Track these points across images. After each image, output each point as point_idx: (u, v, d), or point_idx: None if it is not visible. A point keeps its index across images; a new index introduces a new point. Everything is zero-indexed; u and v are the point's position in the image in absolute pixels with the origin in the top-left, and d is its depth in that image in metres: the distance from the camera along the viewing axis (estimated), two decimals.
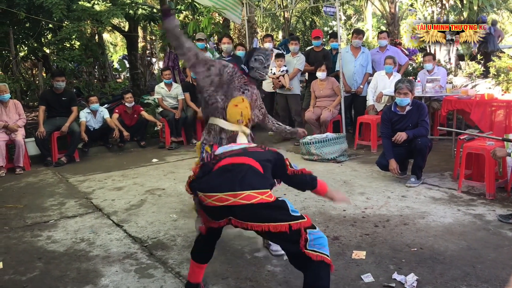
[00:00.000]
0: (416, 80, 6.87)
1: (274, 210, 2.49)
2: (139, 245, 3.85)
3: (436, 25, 7.03)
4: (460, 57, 11.77)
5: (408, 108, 5.23)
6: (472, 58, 11.04)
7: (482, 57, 10.90)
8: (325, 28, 17.63)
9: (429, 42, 7.18)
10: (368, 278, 3.08)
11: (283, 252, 3.34)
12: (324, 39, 10.95)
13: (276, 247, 3.43)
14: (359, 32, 8.01)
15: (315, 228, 2.54)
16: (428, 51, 9.66)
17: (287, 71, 7.59)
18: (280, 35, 17.57)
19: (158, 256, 3.63)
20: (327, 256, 2.48)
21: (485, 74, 10.07)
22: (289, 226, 2.45)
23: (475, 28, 6.89)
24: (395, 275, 3.09)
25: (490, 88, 8.12)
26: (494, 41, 11.45)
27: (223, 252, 3.55)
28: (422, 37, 7.13)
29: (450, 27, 6.96)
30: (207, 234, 2.84)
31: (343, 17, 18.93)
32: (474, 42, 7.13)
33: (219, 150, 2.81)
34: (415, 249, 3.53)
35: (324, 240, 2.52)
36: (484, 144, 4.80)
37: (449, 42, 7.02)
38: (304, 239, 2.46)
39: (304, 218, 2.52)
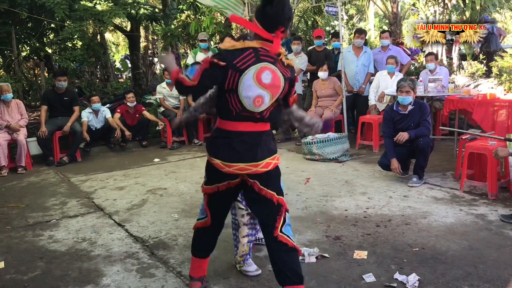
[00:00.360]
0: (418, 80, 6.86)
1: (277, 178, 2.72)
2: (141, 245, 3.85)
3: (436, 25, 7.02)
4: (463, 57, 11.73)
5: (410, 107, 5.22)
6: (475, 58, 11.00)
7: (484, 56, 10.87)
8: (327, 28, 17.60)
9: (429, 42, 7.16)
10: (369, 278, 3.08)
11: (257, 273, 3.24)
12: (326, 39, 10.94)
13: (250, 268, 3.26)
14: (361, 32, 7.99)
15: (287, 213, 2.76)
16: (430, 50, 9.65)
17: None
18: None
19: (160, 255, 3.62)
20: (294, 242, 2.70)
21: (487, 74, 10.04)
22: (277, 200, 2.67)
23: (475, 28, 6.87)
24: (397, 275, 3.09)
25: (492, 87, 8.10)
26: (496, 40, 11.39)
27: (224, 252, 3.54)
28: (422, 37, 7.12)
29: (450, 27, 6.95)
30: (212, 225, 2.88)
31: (345, 17, 18.91)
32: (474, 42, 7.11)
33: None
34: (417, 249, 3.52)
35: (290, 227, 2.77)
36: (486, 144, 4.79)
37: (449, 42, 7.01)
38: (283, 219, 2.67)
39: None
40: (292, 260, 2.65)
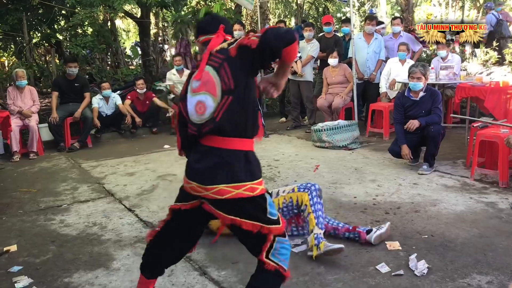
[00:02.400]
0: (430, 67, 6.79)
1: (253, 208, 2.22)
2: (151, 230, 3.88)
3: (436, 25, 6.98)
4: (475, 45, 11.57)
5: (421, 94, 5.17)
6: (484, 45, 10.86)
7: (498, 44, 10.72)
8: (338, 14, 17.49)
9: (429, 42, 7.13)
10: (383, 268, 3.04)
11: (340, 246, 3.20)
12: (337, 26, 10.85)
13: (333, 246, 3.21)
14: (372, 18, 7.91)
15: (285, 236, 2.30)
16: None
17: (300, 57, 7.53)
18: (292, 22, 17.45)
19: None
20: (285, 269, 2.28)
21: (500, 62, 9.91)
22: (260, 227, 2.20)
23: (475, 28, 6.82)
24: (408, 260, 3.09)
25: (505, 75, 8.01)
26: (506, 26, 11.24)
27: (233, 237, 3.56)
28: (422, 37, 7.09)
29: (450, 27, 6.91)
30: (156, 239, 2.52)
31: (357, 4, 18.72)
32: (474, 42, 7.05)
33: None
34: (426, 236, 3.51)
35: (288, 252, 2.31)
36: (498, 132, 4.74)
37: (449, 42, 6.96)
38: (269, 245, 2.24)
39: (279, 224, 2.26)
40: (263, 280, 2.29)
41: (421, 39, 7.33)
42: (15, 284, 3.04)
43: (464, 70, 7.47)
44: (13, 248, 3.62)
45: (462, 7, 16.19)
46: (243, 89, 2.14)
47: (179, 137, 2.47)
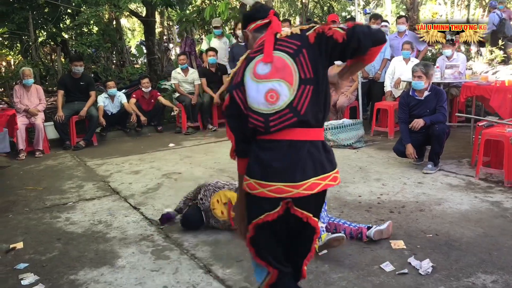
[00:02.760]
0: (435, 66, 6.77)
1: (323, 202, 2.14)
2: (155, 228, 3.90)
3: (436, 25, 6.97)
4: (481, 43, 11.52)
5: (426, 93, 5.16)
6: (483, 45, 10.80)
7: (503, 42, 10.68)
8: (343, 13, 17.44)
9: (429, 42, 7.12)
10: (388, 267, 3.05)
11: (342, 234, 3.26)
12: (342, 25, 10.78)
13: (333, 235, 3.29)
14: (377, 17, 7.92)
15: None
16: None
17: None
18: (297, 21, 17.43)
19: (174, 238, 3.67)
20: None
21: (506, 61, 9.88)
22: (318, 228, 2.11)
23: (475, 28, 6.82)
24: (410, 260, 3.09)
25: (511, 74, 7.98)
26: (509, 25, 11.18)
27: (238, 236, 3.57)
28: (422, 36, 7.09)
29: (450, 27, 6.91)
30: (281, 272, 2.13)
31: (362, 2, 18.67)
32: (474, 42, 7.04)
33: None
34: (431, 235, 3.51)
35: None
36: (504, 131, 4.72)
37: (449, 42, 6.95)
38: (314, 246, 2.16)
39: None
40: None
41: (421, 39, 7.32)
42: (21, 281, 3.07)
43: (469, 69, 7.44)
44: (19, 245, 3.64)
45: (468, 6, 16.10)
46: (322, 78, 1.99)
47: (233, 135, 2.10)
